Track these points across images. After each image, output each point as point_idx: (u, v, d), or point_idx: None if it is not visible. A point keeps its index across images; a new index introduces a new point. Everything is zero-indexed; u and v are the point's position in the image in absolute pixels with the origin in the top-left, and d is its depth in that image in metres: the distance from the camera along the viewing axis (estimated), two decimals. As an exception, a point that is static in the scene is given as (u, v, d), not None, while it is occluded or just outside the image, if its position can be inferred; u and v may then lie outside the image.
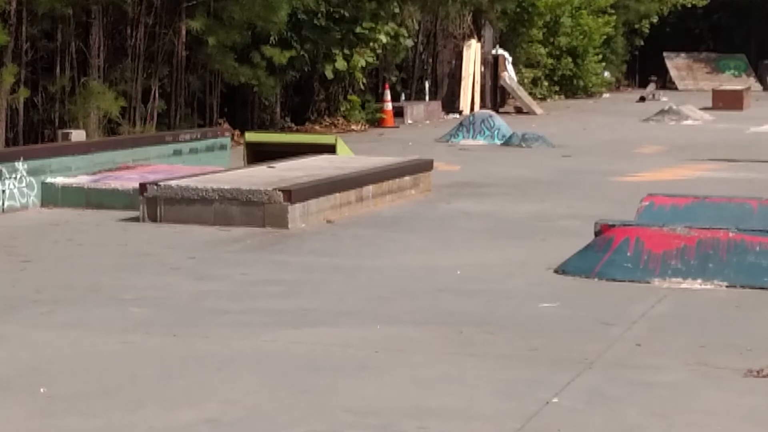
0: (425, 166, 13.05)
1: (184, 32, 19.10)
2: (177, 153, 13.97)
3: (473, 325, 6.69)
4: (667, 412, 5.16)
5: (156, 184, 10.54)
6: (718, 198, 10.03)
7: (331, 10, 22.75)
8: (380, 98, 25.60)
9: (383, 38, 24.23)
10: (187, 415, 5.02)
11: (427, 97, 28.28)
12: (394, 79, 27.92)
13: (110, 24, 18.51)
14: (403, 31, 26.16)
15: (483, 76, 30.47)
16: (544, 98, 35.09)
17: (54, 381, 5.50)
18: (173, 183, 10.57)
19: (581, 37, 37.02)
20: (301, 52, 22.08)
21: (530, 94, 32.53)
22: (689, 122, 26.21)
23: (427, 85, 28.82)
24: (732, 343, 6.38)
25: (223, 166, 13.49)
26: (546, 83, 36.19)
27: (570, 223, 10.48)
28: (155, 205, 10.45)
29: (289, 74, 22.50)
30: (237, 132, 18.92)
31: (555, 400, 5.30)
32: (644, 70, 45.33)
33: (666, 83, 45.12)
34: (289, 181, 10.74)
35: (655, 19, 43.99)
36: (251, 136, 15.08)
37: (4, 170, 11.17)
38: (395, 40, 25.49)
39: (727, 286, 7.80)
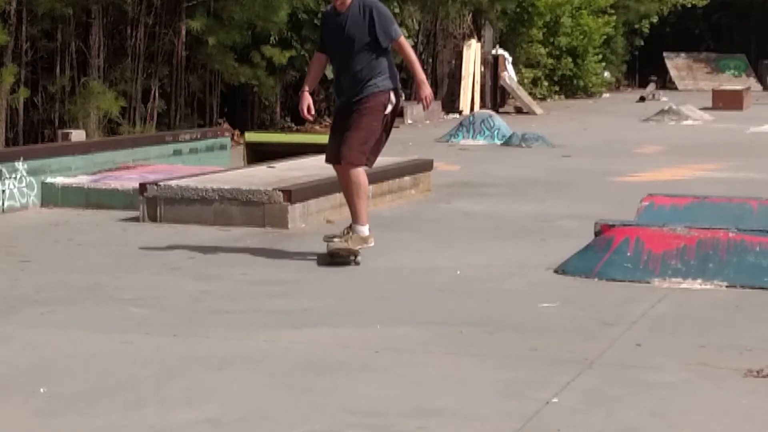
0: (425, 166, 13.05)
1: (184, 32, 19.10)
2: (177, 153, 13.98)
3: (473, 325, 6.69)
4: (667, 412, 5.16)
5: (156, 184, 10.54)
6: (718, 198, 10.03)
7: (331, 10, 22.73)
8: (380, 98, 25.56)
9: (383, 38, 24.20)
10: (187, 415, 5.02)
11: (427, 97, 28.24)
12: (393, 79, 27.88)
13: (110, 24, 18.52)
14: (403, 31, 26.14)
15: (483, 76, 30.47)
16: (544, 98, 35.09)
17: (54, 381, 5.50)
18: (173, 183, 10.58)
19: (581, 37, 37.03)
20: (302, 52, 22.08)
21: (530, 94, 32.53)
22: (689, 122, 26.21)
23: (427, 85, 28.78)
24: (732, 343, 6.38)
25: (223, 166, 13.49)
26: (546, 83, 36.20)
27: (570, 223, 10.47)
28: (155, 205, 10.45)
29: (289, 74, 22.50)
30: (237, 132, 18.93)
31: (555, 400, 5.30)
32: (644, 70, 45.35)
33: (666, 83, 45.12)
34: (289, 181, 10.74)
35: (655, 19, 44.00)
36: (251, 136, 15.08)
37: (4, 170, 11.17)
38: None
39: (727, 286, 7.80)
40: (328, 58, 8.83)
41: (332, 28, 8.61)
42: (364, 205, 8.57)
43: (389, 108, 8.60)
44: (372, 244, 8.59)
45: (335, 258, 8.38)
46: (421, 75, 8.72)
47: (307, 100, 8.67)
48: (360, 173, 8.49)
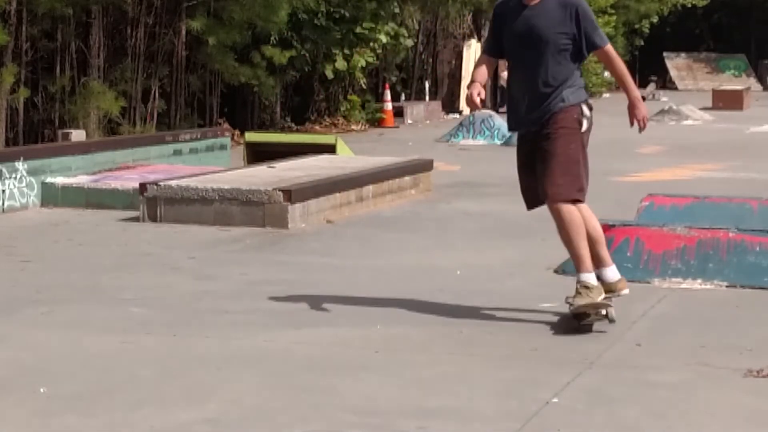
0: (425, 166, 13.05)
1: (184, 32, 19.11)
2: (177, 153, 13.98)
3: (473, 325, 6.69)
4: (667, 412, 5.16)
5: (156, 184, 10.54)
6: (718, 198, 10.03)
7: (332, 10, 22.77)
8: (380, 98, 25.62)
9: (383, 38, 24.25)
10: (187, 415, 5.02)
11: (427, 97, 28.30)
12: (394, 79, 27.95)
13: (110, 24, 18.53)
14: (403, 31, 26.18)
15: (483, 76, 30.44)
16: (544, 98, 35.06)
17: (54, 381, 5.50)
18: (173, 183, 10.58)
19: (581, 37, 36.99)
20: (302, 52, 22.09)
21: (530, 94, 32.49)
22: (689, 122, 26.22)
23: (427, 85, 28.84)
24: (732, 343, 6.38)
25: (223, 166, 13.49)
26: (546, 83, 36.20)
27: (570, 223, 10.45)
28: (155, 205, 10.45)
29: (289, 74, 22.52)
30: (237, 132, 18.94)
31: (555, 400, 5.30)
32: (644, 70, 45.38)
33: (666, 83, 45.17)
34: (289, 181, 10.74)
35: (655, 19, 44.06)
36: (251, 136, 15.09)
37: (4, 170, 11.17)
38: (395, 40, 25.50)
39: (727, 286, 7.80)
40: (496, 63, 7.22)
41: (514, 25, 6.83)
42: (585, 247, 6.70)
43: (585, 124, 6.92)
44: (604, 295, 6.74)
45: (584, 319, 6.63)
46: (635, 92, 6.86)
47: (478, 87, 6.83)
48: (571, 211, 6.71)
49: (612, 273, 6.81)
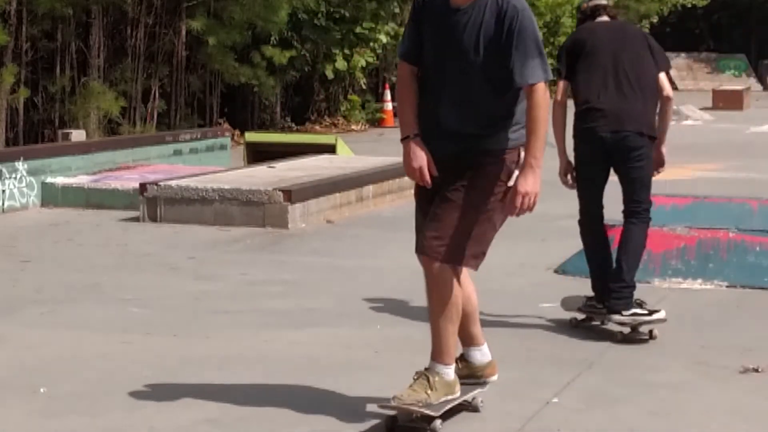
0: (425, 166, 13.03)
1: (184, 32, 19.11)
2: (177, 153, 13.99)
3: (473, 325, 6.68)
4: (667, 412, 5.17)
5: (156, 184, 10.54)
6: (718, 198, 10.04)
7: (332, 10, 22.78)
8: (380, 98, 25.62)
9: (383, 38, 24.26)
10: (187, 415, 5.02)
11: (427, 97, 28.28)
12: (394, 79, 27.94)
13: (110, 24, 18.53)
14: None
15: (483, 76, 30.43)
16: (544, 98, 35.05)
17: (54, 381, 5.51)
18: (173, 183, 10.58)
19: (581, 37, 37.03)
20: (302, 52, 22.10)
21: (530, 94, 32.48)
22: (689, 122, 26.20)
23: (427, 85, 28.80)
24: (732, 343, 6.38)
25: (223, 166, 13.50)
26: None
27: (570, 223, 10.41)
28: (155, 205, 10.45)
29: (289, 74, 22.52)
30: (237, 132, 18.94)
31: (555, 400, 5.30)
32: (644, 70, 45.31)
33: (666, 83, 45.10)
34: (289, 181, 10.74)
35: (655, 19, 44.05)
36: (251, 136, 15.09)
37: (4, 170, 11.17)
38: (395, 40, 25.50)
39: (727, 286, 7.80)
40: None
41: (438, 27, 4.91)
42: (454, 334, 4.99)
43: (515, 176, 4.88)
44: (458, 394, 5.00)
45: (395, 423, 4.96)
46: (536, 157, 4.84)
47: (424, 156, 4.89)
48: (449, 282, 4.92)
49: (481, 355, 5.19)
